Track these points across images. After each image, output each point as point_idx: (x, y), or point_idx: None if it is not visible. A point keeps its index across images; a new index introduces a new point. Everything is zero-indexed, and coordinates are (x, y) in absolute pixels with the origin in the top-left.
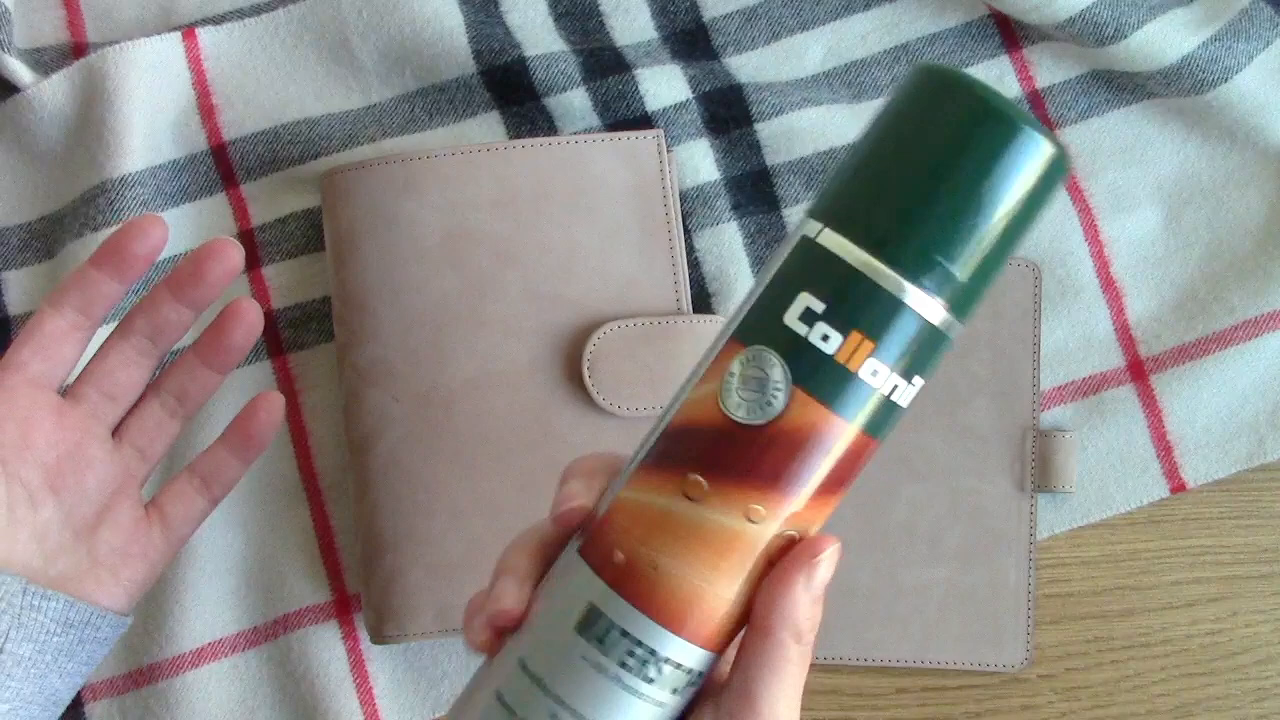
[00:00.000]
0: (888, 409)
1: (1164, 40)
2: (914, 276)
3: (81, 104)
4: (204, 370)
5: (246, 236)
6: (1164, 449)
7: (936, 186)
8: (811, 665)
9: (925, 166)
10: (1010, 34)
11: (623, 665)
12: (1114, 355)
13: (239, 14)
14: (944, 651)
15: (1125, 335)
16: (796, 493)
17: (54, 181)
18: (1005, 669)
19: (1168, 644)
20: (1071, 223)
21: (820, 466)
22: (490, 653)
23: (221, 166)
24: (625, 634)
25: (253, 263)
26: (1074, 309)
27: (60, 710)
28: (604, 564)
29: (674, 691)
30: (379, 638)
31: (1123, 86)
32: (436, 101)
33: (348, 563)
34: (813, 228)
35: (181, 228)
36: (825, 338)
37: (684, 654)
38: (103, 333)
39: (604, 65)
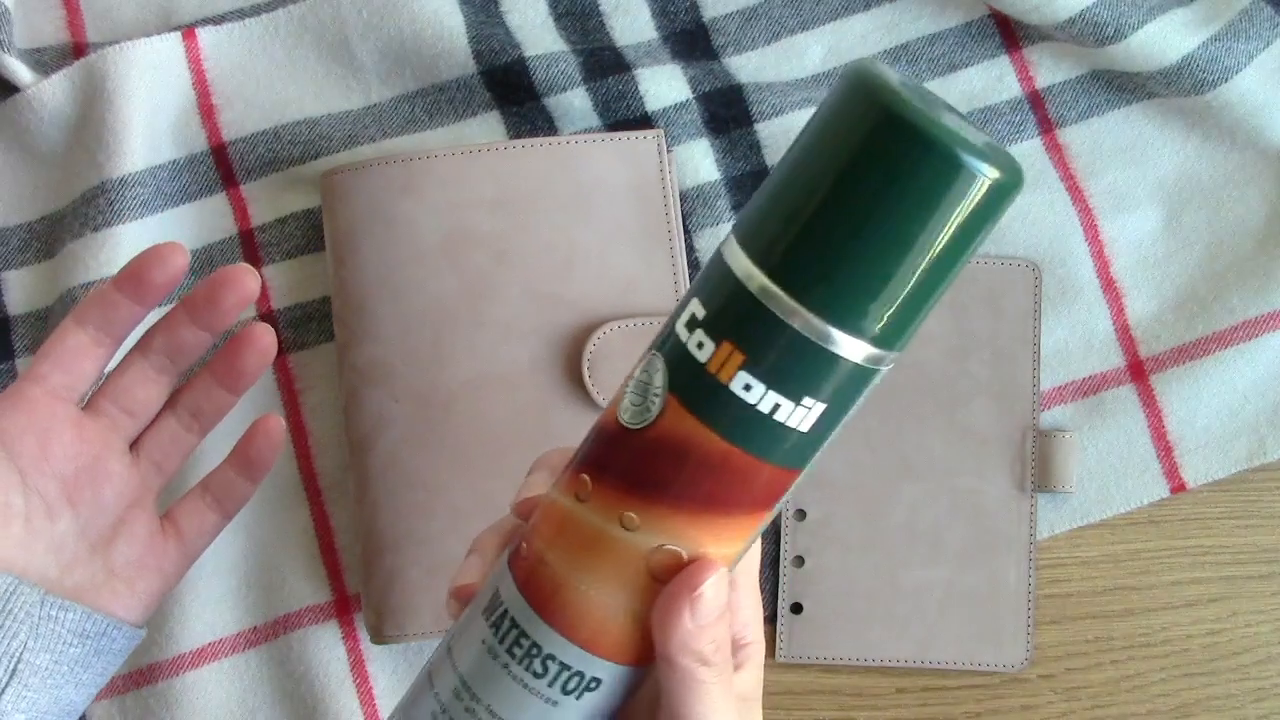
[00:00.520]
0: (771, 429)
1: (1164, 40)
2: (801, 297)
3: (81, 104)
4: (219, 390)
5: (246, 236)
6: (1164, 449)
7: (829, 205)
8: (811, 665)
9: (820, 182)
10: (1010, 34)
11: (511, 654)
12: (1114, 355)
13: (239, 14)
14: (944, 651)
15: (1125, 335)
16: (667, 502)
17: (54, 181)
18: (1005, 669)
19: (1168, 644)
20: (1071, 223)
21: (692, 479)
22: None
23: (221, 166)
24: (514, 623)
25: (253, 263)
26: (1074, 309)
27: None
28: (514, 554)
29: (567, 693)
30: (379, 638)
31: (1123, 86)
32: (436, 101)
33: (348, 563)
34: (727, 239)
35: (181, 228)
36: (700, 345)
37: (569, 655)
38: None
39: (604, 65)
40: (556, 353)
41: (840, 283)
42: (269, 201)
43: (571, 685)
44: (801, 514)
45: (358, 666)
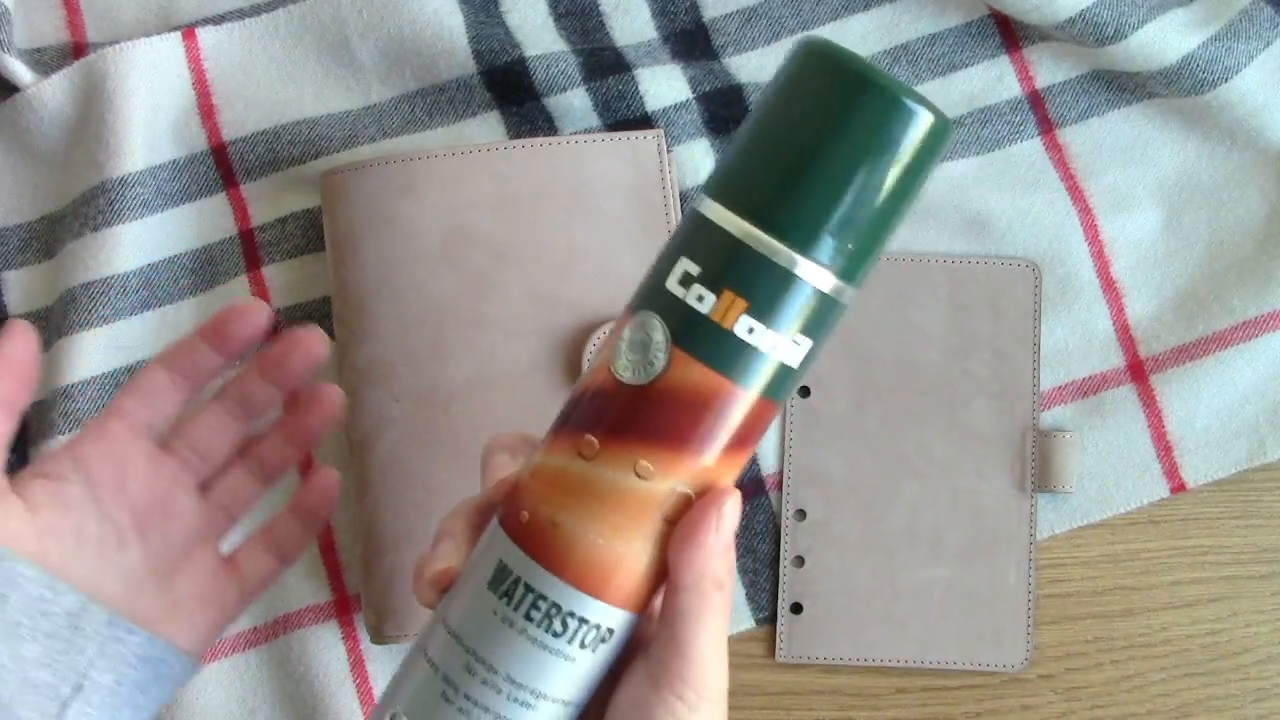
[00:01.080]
0: (770, 366)
1: (1164, 40)
2: (784, 237)
3: (81, 104)
4: (287, 446)
5: (246, 236)
6: (1164, 449)
7: (797, 147)
8: (811, 665)
9: (786, 129)
10: (1010, 34)
11: (529, 619)
12: (1114, 355)
13: (239, 14)
14: (944, 652)
15: (1125, 335)
16: (679, 447)
17: (54, 181)
18: (1005, 669)
19: (1168, 644)
20: (1071, 223)
21: (705, 422)
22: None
23: (221, 166)
24: (529, 588)
25: (253, 263)
26: (1074, 309)
27: None
28: (513, 524)
29: (584, 647)
30: (379, 638)
31: (1123, 86)
32: (436, 101)
33: (348, 563)
34: (699, 200)
35: (181, 228)
36: (700, 298)
37: (590, 609)
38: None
39: (604, 65)
40: (556, 353)
41: (826, 225)
42: (269, 201)
43: (589, 639)
44: (801, 514)
45: (358, 666)
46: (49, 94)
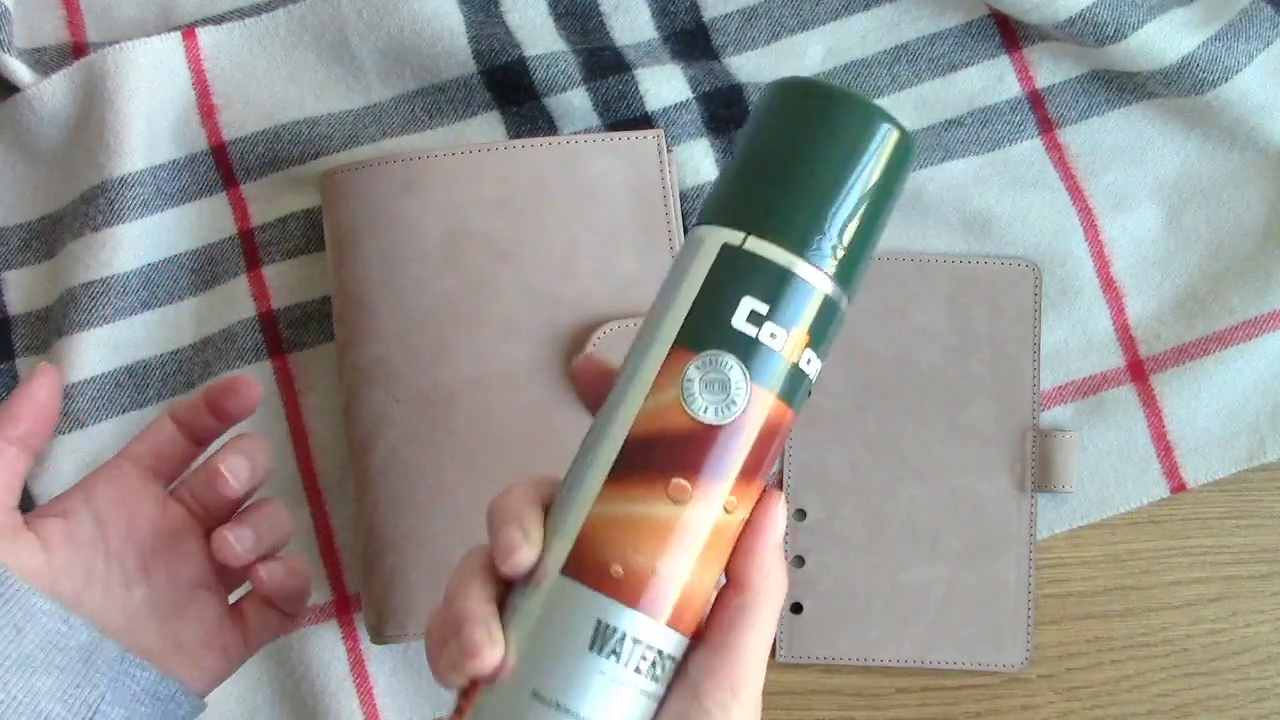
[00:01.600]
0: (808, 388)
1: (1164, 40)
2: (835, 275)
3: (81, 104)
4: (282, 521)
5: (246, 236)
6: (1164, 449)
7: (834, 183)
8: (811, 665)
9: (821, 167)
10: (1010, 34)
11: (637, 671)
12: (1114, 355)
13: (239, 14)
14: (944, 651)
15: (1125, 335)
16: (760, 478)
17: (54, 181)
18: (1005, 669)
19: (1168, 644)
20: (1071, 223)
21: (774, 449)
22: (463, 691)
23: (221, 166)
24: (637, 641)
25: (253, 263)
26: (1074, 309)
27: None
28: (602, 580)
29: (657, 680)
30: (379, 638)
31: (1123, 86)
32: (436, 101)
33: (348, 563)
34: (734, 237)
35: (181, 228)
36: (773, 335)
37: (677, 646)
38: None
39: (604, 65)
40: (557, 352)
41: (857, 249)
42: (269, 201)
43: (661, 672)
44: (801, 514)
45: (358, 666)
46: (49, 94)
